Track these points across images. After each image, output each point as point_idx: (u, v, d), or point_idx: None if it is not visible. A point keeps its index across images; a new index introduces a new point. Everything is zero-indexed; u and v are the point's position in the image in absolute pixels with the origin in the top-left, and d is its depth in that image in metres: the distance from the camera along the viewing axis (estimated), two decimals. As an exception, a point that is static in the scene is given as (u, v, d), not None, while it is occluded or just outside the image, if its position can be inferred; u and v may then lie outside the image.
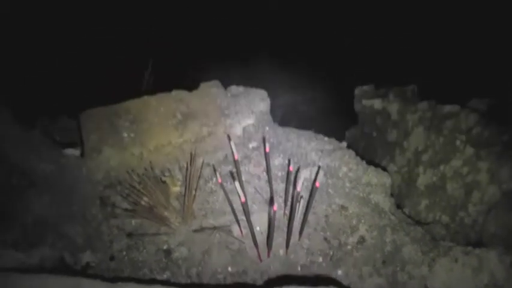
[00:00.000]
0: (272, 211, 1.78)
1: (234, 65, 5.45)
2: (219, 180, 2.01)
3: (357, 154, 2.92)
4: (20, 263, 1.95)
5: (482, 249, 2.17)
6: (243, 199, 1.83)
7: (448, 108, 3.20)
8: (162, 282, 1.71)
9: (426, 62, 5.96)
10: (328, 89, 5.71)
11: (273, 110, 3.29)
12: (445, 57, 6.11)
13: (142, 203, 2.38)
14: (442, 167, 2.89)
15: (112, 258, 2.17)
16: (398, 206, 2.95)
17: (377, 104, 3.77)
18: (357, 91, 4.13)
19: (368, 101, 3.88)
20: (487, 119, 3.01)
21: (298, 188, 1.87)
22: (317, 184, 1.93)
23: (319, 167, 2.36)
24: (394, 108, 3.58)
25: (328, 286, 1.67)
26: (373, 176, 2.66)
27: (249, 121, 2.98)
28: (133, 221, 2.37)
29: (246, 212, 1.97)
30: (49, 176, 2.44)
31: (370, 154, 3.78)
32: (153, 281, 1.76)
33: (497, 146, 2.70)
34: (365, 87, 4.12)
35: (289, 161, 2.64)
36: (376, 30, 6.99)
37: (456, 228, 2.62)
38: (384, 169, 2.81)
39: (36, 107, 3.06)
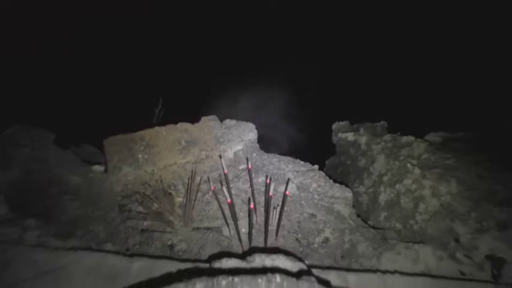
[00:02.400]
0: (249, 208, 2.39)
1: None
2: (212, 188, 2.62)
3: (335, 178, 3.53)
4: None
5: (420, 245, 2.75)
6: (229, 200, 2.44)
7: (404, 139, 3.90)
8: (167, 258, 2.28)
9: (403, 101, 6.71)
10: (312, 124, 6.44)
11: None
12: (419, 97, 6.90)
13: (153, 208, 2.98)
14: (397, 186, 3.50)
15: (127, 250, 2.74)
16: (365, 219, 3.52)
17: (350, 136, 4.44)
18: (334, 126, 4.83)
19: (343, 134, 4.55)
20: (435, 148, 3.68)
21: (270, 194, 2.48)
22: (287, 193, 2.53)
23: (288, 179, 2.97)
24: (363, 140, 4.25)
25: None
26: (337, 190, 3.28)
27: (239, 147, 3.64)
28: (145, 223, 2.95)
29: (233, 215, 2.56)
30: (79, 186, 3.08)
31: (345, 178, 4.39)
32: (161, 257, 2.33)
33: (439, 169, 3.34)
34: (341, 123, 4.82)
35: (266, 176, 3.28)
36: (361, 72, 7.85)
37: (406, 233, 3.18)
38: (347, 186, 3.43)
39: (66, 135, 3.73)
